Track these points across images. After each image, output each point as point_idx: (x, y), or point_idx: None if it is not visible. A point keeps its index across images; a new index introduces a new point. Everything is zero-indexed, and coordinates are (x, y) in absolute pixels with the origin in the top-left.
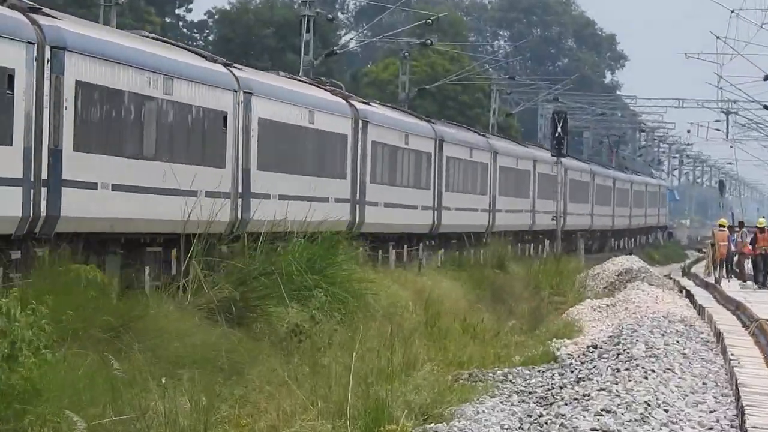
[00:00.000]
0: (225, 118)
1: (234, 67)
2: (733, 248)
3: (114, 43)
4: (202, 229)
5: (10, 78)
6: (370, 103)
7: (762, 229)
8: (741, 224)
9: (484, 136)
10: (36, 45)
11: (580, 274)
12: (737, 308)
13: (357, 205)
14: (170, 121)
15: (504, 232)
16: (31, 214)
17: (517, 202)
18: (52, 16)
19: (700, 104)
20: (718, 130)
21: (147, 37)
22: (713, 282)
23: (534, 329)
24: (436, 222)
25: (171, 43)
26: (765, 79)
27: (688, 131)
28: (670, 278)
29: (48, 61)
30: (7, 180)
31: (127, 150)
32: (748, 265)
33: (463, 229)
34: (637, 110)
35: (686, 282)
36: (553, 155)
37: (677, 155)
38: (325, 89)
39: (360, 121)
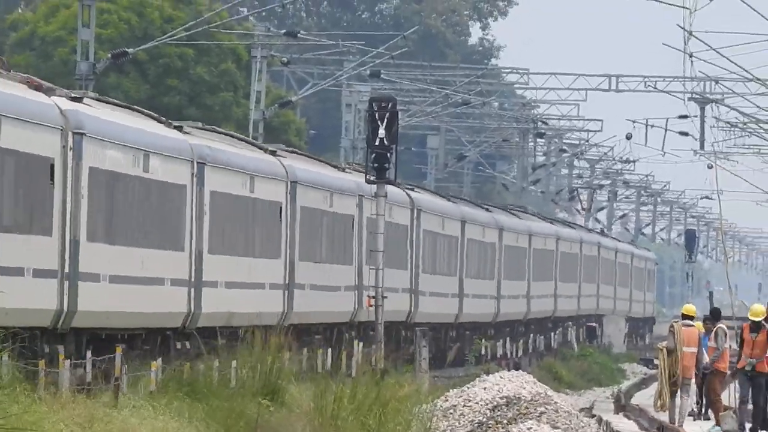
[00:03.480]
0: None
1: None
2: (706, 359)
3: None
4: None
5: (281, 209)
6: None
7: (757, 325)
8: (716, 315)
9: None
10: (286, 182)
11: (422, 406)
12: None
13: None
14: None
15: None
16: (192, 310)
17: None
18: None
19: (649, 84)
20: (684, 134)
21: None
22: (671, 423)
23: None
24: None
25: None
26: None
27: (628, 136)
28: (592, 416)
29: (289, 193)
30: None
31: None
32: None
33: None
34: (531, 97)
35: (622, 424)
36: (369, 180)
37: (606, 182)
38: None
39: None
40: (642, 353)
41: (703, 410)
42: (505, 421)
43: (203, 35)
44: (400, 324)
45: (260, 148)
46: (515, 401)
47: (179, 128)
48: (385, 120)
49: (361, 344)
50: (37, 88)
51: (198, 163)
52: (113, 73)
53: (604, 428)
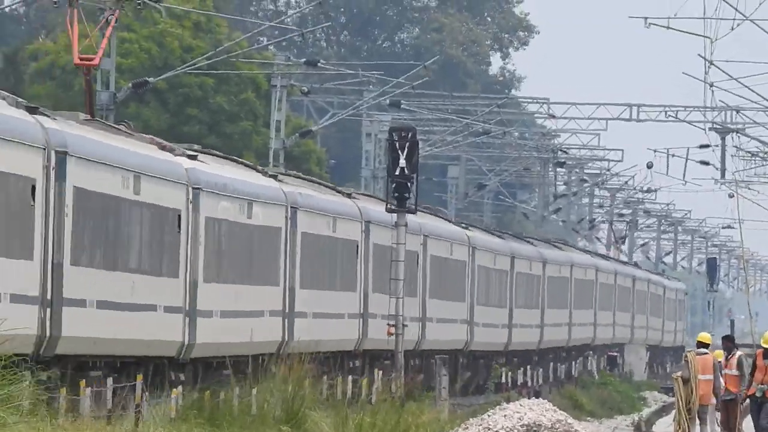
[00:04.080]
0: None
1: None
2: (722, 384)
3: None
4: None
5: (357, 247)
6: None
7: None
8: (730, 342)
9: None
10: (361, 222)
11: None
12: None
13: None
14: None
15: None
16: (286, 338)
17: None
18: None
19: (670, 114)
20: (705, 163)
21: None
22: None
23: None
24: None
25: None
26: None
27: (649, 165)
28: None
29: (364, 232)
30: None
31: None
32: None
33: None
34: (551, 126)
35: None
36: (390, 209)
37: (627, 212)
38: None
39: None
40: (663, 381)
41: None
42: None
43: (223, 64)
44: (458, 352)
45: (338, 192)
46: (535, 429)
47: (274, 177)
48: (406, 149)
49: (380, 372)
50: (163, 148)
51: (291, 207)
52: (133, 102)
53: None
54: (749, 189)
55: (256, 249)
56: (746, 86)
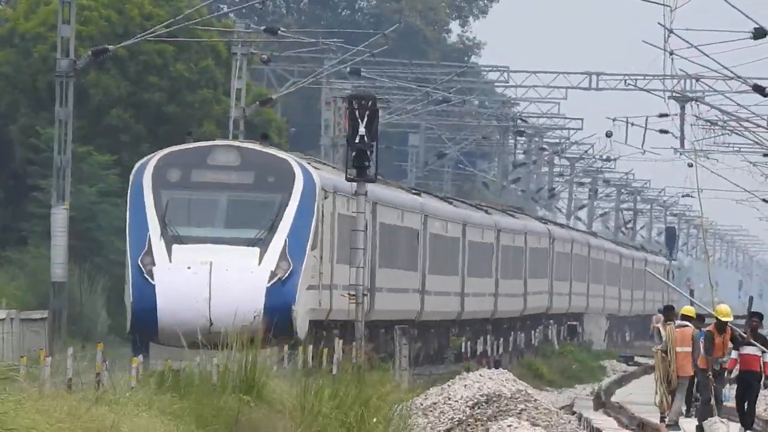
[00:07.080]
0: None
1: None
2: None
3: None
4: None
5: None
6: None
7: (722, 325)
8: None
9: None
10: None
11: (401, 404)
12: None
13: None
14: None
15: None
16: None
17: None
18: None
19: (629, 83)
20: (664, 132)
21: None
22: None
23: None
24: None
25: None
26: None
27: (608, 135)
28: (572, 413)
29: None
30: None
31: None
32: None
33: None
34: (511, 95)
35: (601, 421)
36: (349, 178)
37: (587, 181)
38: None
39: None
40: (621, 350)
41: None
42: (485, 419)
43: (183, 32)
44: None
45: (471, 205)
46: (495, 399)
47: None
48: (366, 117)
49: (341, 341)
50: (404, 189)
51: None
52: (93, 70)
53: (584, 425)
54: (708, 158)
55: (448, 252)
56: (706, 55)
